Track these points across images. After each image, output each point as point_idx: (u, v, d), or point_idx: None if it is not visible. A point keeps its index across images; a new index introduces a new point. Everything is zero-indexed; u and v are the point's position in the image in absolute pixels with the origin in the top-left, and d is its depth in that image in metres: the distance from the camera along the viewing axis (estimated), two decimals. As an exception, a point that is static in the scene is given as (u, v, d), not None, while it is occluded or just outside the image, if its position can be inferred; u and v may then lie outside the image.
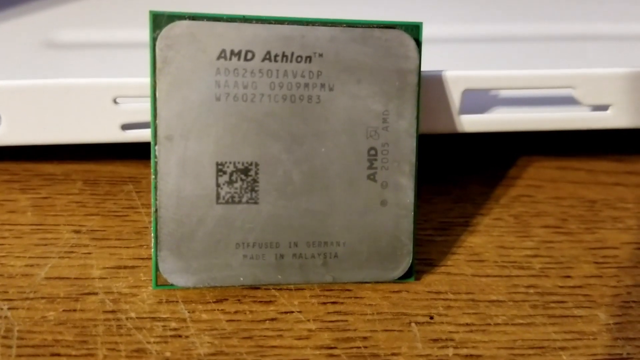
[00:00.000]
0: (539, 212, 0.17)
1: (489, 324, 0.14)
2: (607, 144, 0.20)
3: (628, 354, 0.14)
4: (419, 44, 0.14)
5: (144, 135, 0.15)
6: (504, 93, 0.16)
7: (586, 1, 0.22)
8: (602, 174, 0.19)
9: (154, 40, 0.13)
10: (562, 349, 0.14)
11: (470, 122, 0.15)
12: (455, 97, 0.15)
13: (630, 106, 0.16)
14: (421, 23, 0.14)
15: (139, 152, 0.16)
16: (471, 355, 0.13)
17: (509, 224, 0.17)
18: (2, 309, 0.13)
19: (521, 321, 0.14)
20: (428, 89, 0.15)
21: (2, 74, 0.17)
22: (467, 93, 0.15)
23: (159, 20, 0.13)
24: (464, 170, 0.18)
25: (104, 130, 0.15)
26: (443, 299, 0.14)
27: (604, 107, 0.16)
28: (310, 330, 0.13)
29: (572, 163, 0.19)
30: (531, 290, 0.15)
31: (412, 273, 0.14)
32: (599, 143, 0.20)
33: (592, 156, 0.19)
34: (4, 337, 0.13)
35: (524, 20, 0.21)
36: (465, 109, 0.15)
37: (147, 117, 0.14)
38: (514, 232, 0.16)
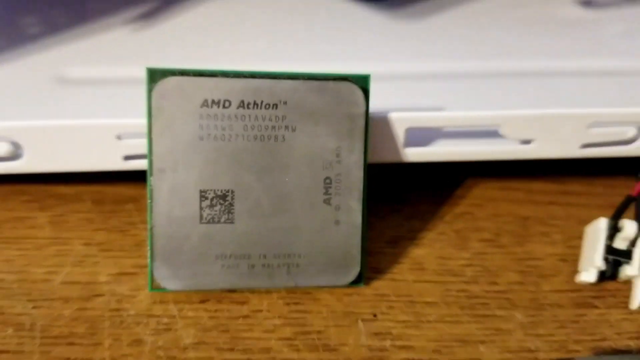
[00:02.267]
0: (478, 228, 0.20)
1: (422, 321, 0.17)
2: (545, 167, 0.23)
3: (536, 347, 0.17)
4: (366, 92, 0.17)
5: (142, 164, 0.18)
6: (450, 126, 0.19)
7: (524, 40, 0.25)
8: (538, 194, 0.22)
9: (149, 91, 0.16)
10: (481, 342, 0.17)
11: (413, 154, 0.18)
12: (400, 133, 0.18)
13: (550, 141, 0.19)
14: (369, 75, 0.17)
15: (139, 176, 0.19)
16: (405, 346, 0.16)
17: (450, 238, 0.20)
18: (27, 307, 0.16)
19: (449, 319, 0.17)
20: (377, 127, 0.18)
21: (19, 108, 0.20)
22: (410, 130, 0.18)
23: (154, 75, 0.16)
24: (414, 190, 0.21)
25: (109, 160, 0.18)
26: (386, 301, 0.17)
27: (527, 141, 0.19)
28: (275, 325, 0.16)
29: (512, 184, 0.22)
30: (461, 294, 0.18)
31: (362, 279, 0.17)
32: (537, 166, 0.22)
33: (531, 178, 0.22)
34: (29, 330, 0.16)
35: (469, 58, 0.24)
36: (409, 143, 0.18)
37: (144, 150, 0.17)
38: (454, 245, 0.19)
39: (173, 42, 0.25)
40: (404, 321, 0.17)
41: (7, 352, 0.15)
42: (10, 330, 0.16)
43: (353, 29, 0.26)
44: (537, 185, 0.22)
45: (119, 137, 0.17)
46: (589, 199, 0.22)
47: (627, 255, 0.18)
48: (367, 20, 0.27)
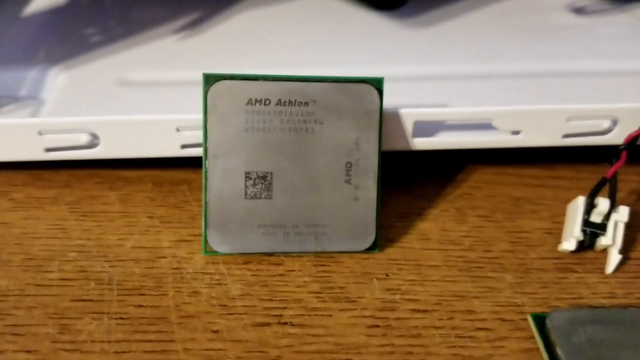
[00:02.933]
0: (475, 206, 0.24)
1: (426, 280, 0.20)
2: (537, 154, 0.26)
3: (522, 302, 0.20)
4: (381, 92, 0.20)
5: (196, 152, 0.22)
6: (451, 120, 0.22)
7: (519, 45, 0.29)
8: (530, 178, 0.25)
9: (205, 92, 0.20)
10: (475, 297, 0.20)
11: (420, 143, 0.22)
12: (409, 126, 0.22)
13: (536, 132, 0.22)
14: (383, 78, 0.20)
15: (191, 162, 0.23)
16: (411, 299, 0.20)
17: (451, 214, 0.23)
18: (105, 267, 0.20)
19: (449, 279, 0.21)
20: (390, 121, 0.21)
21: (90, 106, 0.24)
22: (418, 123, 0.22)
23: (209, 79, 0.20)
24: (422, 174, 0.25)
25: (169, 148, 0.22)
26: (396, 264, 0.21)
27: (516, 132, 0.22)
28: (305, 281, 0.20)
29: (507, 169, 0.26)
30: (459, 259, 0.21)
31: (376, 246, 0.21)
32: (530, 153, 0.26)
33: (524, 164, 0.26)
34: (108, 284, 0.20)
35: (470, 61, 0.27)
36: (417, 134, 0.22)
37: (198, 140, 0.21)
38: (454, 220, 0.23)
39: (215, 47, 0.28)
40: (411, 280, 0.20)
41: (91, 300, 0.19)
42: (92, 284, 0.20)
43: (369, 36, 0.30)
44: (529, 171, 0.26)
45: (178, 130, 0.21)
46: (575, 182, 0.25)
47: (602, 227, 0.21)
48: (382, 27, 0.30)
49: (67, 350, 0.18)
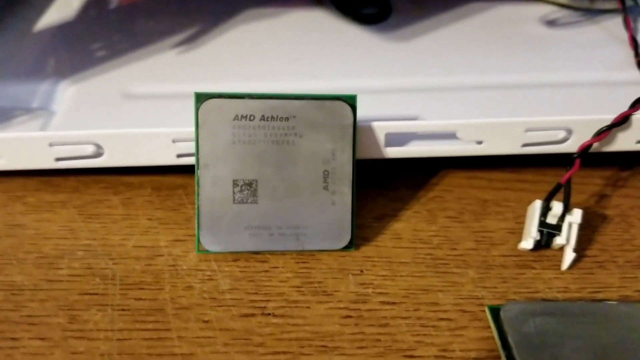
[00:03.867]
0: (445, 208, 0.26)
1: (396, 276, 0.23)
2: (506, 160, 0.28)
3: (483, 295, 0.22)
4: (354, 107, 0.22)
5: (190, 160, 0.24)
6: (418, 131, 0.25)
7: (490, 57, 0.31)
8: (497, 182, 0.28)
9: (197, 109, 0.22)
10: (440, 291, 0.22)
11: (392, 152, 0.24)
12: (381, 137, 0.24)
13: (497, 141, 0.24)
14: (356, 95, 0.23)
15: (186, 170, 0.25)
16: (382, 293, 0.22)
17: (423, 215, 0.26)
18: (108, 264, 0.23)
19: (417, 274, 0.23)
20: (364, 133, 0.24)
21: (95, 118, 0.27)
22: (389, 134, 0.24)
23: (200, 97, 0.22)
24: (398, 179, 0.27)
25: (166, 157, 0.24)
26: (370, 261, 0.23)
27: (480, 142, 0.24)
28: (287, 277, 0.23)
29: (477, 174, 0.28)
30: (427, 257, 0.24)
31: (352, 245, 0.23)
32: (499, 159, 0.28)
33: (493, 169, 0.28)
34: (111, 279, 0.22)
35: (440, 75, 0.29)
36: (389, 144, 0.24)
37: (192, 150, 0.23)
38: (425, 221, 0.25)
39: (209, 61, 0.31)
40: (382, 275, 0.23)
41: (97, 294, 0.22)
42: (97, 280, 0.22)
43: (353, 49, 0.32)
44: (497, 175, 0.28)
45: (173, 141, 0.24)
46: (539, 186, 0.27)
47: (557, 228, 0.24)
48: (364, 41, 0.33)
49: (75, 338, 0.20)
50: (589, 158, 0.25)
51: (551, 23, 0.34)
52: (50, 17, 0.35)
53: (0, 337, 0.20)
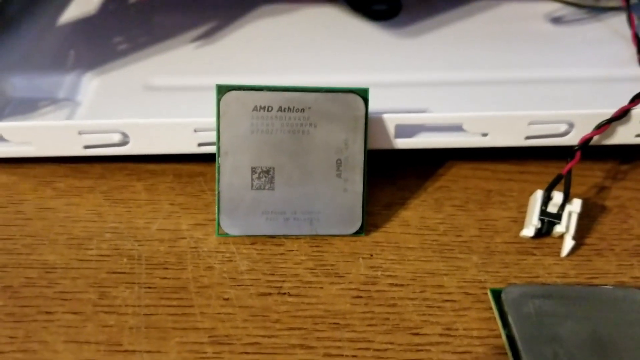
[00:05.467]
0: (451, 197, 0.27)
1: (404, 260, 0.24)
2: (510, 151, 0.29)
3: (485, 279, 0.24)
4: (366, 100, 0.24)
5: (210, 149, 0.25)
6: (426, 123, 0.26)
7: (497, 53, 0.32)
8: (501, 173, 0.29)
9: (218, 100, 0.23)
10: (445, 274, 0.24)
11: (401, 143, 0.26)
12: (391, 128, 0.25)
13: (501, 134, 0.26)
14: (368, 88, 0.24)
15: (206, 158, 0.27)
16: (390, 275, 0.24)
17: (430, 204, 0.27)
18: (134, 245, 0.24)
19: (424, 259, 0.24)
20: (375, 124, 0.25)
21: (119, 108, 0.28)
22: (399, 126, 0.25)
23: (221, 89, 0.23)
24: (407, 169, 0.28)
25: (188, 146, 0.26)
26: (380, 246, 0.25)
27: (485, 134, 0.26)
28: (302, 259, 0.24)
29: (482, 165, 0.29)
30: (434, 243, 0.25)
31: (363, 230, 0.25)
32: (503, 150, 0.29)
33: (497, 160, 0.29)
34: (137, 260, 0.24)
35: (449, 70, 0.31)
36: (398, 135, 0.26)
37: (212, 139, 0.25)
38: (432, 209, 0.27)
39: (227, 54, 0.32)
40: (391, 259, 0.24)
41: (124, 273, 0.23)
42: (125, 260, 0.24)
43: (364, 44, 0.33)
44: (501, 166, 0.29)
45: (195, 130, 0.25)
46: (541, 177, 0.28)
47: (557, 217, 0.25)
48: (375, 37, 0.34)
49: (105, 312, 0.22)
50: (590, 151, 0.26)
51: (557, 20, 0.35)
52: (72, 13, 0.37)
53: (36, 311, 0.22)
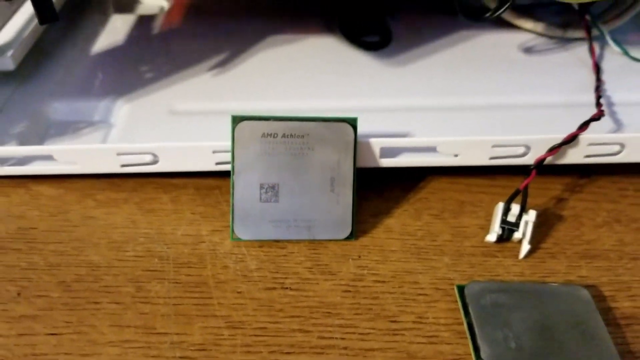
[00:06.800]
0: (429, 207, 0.32)
1: (387, 261, 0.29)
2: (483, 168, 0.34)
3: (454, 277, 0.28)
4: (355, 127, 0.29)
5: (226, 167, 0.30)
6: (406, 146, 0.31)
7: (472, 80, 0.37)
8: (474, 186, 0.34)
9: (233, 128, 0.28)
10: (420, 273, 0.29)
11: (385, 162, 0.31)
12: (377, 150, 0.30)
13: (469, 154, 0.30)
14: (357, 117, 0.29)
15: (222, 174, 0.32)
16: (375, 274, 0.28)
17: (410, 213, 0.32)
18: (163, 248, 0.29)
19: (403, 260, 0.29)
20: (363, 147, 0.30)
21: (148, 132, 0.33)
22: (383, 148, 0.30)
23: (235, 119, 0.28)
24: (393, 183, 0.33)
25: (207, 165, 0.31)
26: (367, 249, 0.30)
27: (456, 155, 0.31)
28: (301, 260, 0.29)
29: (457, 179, 0.34)
30: (412, 246, 0.30)
31: (353, 236, 0.30)
32: (475, 167, 0.34)
33: (470, 175, 0.34)
34: (166, 260, 0.29)
35: (429, 96, 0.35)
36: (383, 155, 0.30)
37: (227, 159, 0.30)
38: (412, 217, 0.31)
39: (237, 82, 0.37)
40: (376, 260, 0.29)
41: (156, 270, 0.28)
42: (156, 260, 0.29)
43: (358, 72, 0.38)
44: (474, 181, 0.34)
45: (213, 152, 0.30)
46: (508, 190, 0.33)
47: (516, 225, 0.30)
48: (367, 65, 0.39)
49: (142, 302, 0.27)
50: (552, 168, 0.31)
51: (528, 49, 0.40)
52: (102, 43, 0.42)
53: (85, 301, 0.27)
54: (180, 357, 0.25)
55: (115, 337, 0.25)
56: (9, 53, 0.35)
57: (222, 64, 0.39)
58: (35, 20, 0.38)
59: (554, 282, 0.28)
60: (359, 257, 0.29)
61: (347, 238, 0.30)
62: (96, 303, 0.27)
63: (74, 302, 0.27)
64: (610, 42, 0.39)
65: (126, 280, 0.28)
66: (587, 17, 0.39)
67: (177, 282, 0.28)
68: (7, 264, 0.28)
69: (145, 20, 0.45)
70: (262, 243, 0.30)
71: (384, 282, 0.28)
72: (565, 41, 0.41)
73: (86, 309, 0.26)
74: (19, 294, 0.27)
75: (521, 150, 0.30)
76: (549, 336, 0.25)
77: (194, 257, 0.29)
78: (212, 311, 0.26)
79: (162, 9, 0.47)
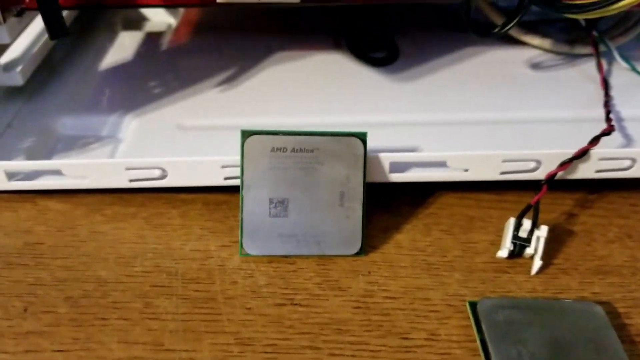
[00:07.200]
0: (439, 223, 0.32)
1: (397, 277, 0.29)
2: (492, 183, 0.34)
3: (465, 293, 0.28)
4: (364, 142, 0.28)
5: (234, 182, 0.30)
6: (416, 161, 0.31)
7: (480, 96, 0.37)
8: (483, 202, 0.33)
9: (242, 143, 0.28)
10: (431, 289, 0.28)
11: (395, 177, 0.30)
12: (386, 165, 0.30)
13: (480, 169, 0.30)
14: (366, 132, 0.29)
15: (231, 189, 0.32)
16: (385, 289, 0.28)
17: (420, 229, 0.31)
18: (172, 263, 0.29)
19: (414, 276, 0.29)
20: (373, 162, 0.30)
21: (157, 147, 0.33)
22: (393, 163, 0.30)
23: (245, 133, 0.28)
24: (401, 198, 0.33)
25: (215, 179, 0.30)
26: (377, 265, 0.29)
27: (466, 170, 0.30)
28: (310, 275, 0.29)
29: (466, 195, 0.34)
30: (422, 262, 0.30)
31: (362, 251, 0.29)
32: (485, 182, 0.34)
33: (480, 190, 0.34)
34: (174, 275, 0.28)
35: (436, 111, 0.35)
36: (393, 170, 0.30)
37: (236, 174, 0.30)
38: (422, 233, 0.31)
39: (245, 98, 0.37)
40: (386, 276, 0.29)
41: (164, 286, 0.28)
42: (164, 275, 0.28)
43: (366, 88, 0.38)
44: (484, 196, 0.34)
45: (222, 167, 0.30)
46: (518, 205, 0.33)
47: (527, 241, 0.29)
48: (375, 80, 0.39)
49: (150, 319, 0.26)
50: (562, 183, 0.30)
51: (536, 65, 0.40)
52: (110, 59, 0.42)
53: (93, 317, 0.26)
54: (189, 374, 0.24)
55: (124, 353, 0.25)
56: (18, 68, 0.35)
57: (230, 80, 0.39)
58: (45, 36, 0.39)
59: (567, 299, 0.28)
60: (369, 272, 0.29)
61: (357, 253, 0.29)
62: (104, 319, 0.26)
63: (82, 318, 0.26)
64: (618, 58, 0.39)
65: (134, 295, 0.27)
66: (594, 33, 0.40)
67: (185, 298, 0.27)
68: (14, 279, 0.28)
69: (153, 37, 0.45)
70: (271, 259, 0.29)
71: (394, 298, 0.28)
72: (573, 57, 0.41)
73: (94, 325, 0.26)
74: (25, 310, 0.27)
75: (532, 165, 0.30)
76: (563, 353, 0.25)
77: (203, 272, 0.29)
78: (221, 327, 0.26)
79: (169, 26, 0.47)
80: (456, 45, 0.42)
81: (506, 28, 0.35)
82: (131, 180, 0.31)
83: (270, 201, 0.28)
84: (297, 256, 0.29)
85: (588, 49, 0.40)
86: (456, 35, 0.43)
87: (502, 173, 0.30)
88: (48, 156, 0.33)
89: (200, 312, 0.27)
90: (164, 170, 0.30)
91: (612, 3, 0.33)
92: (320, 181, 0.28)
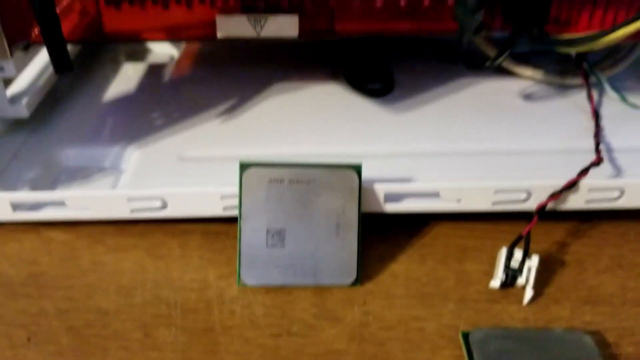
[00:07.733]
0: (433, 252, 0.32)
1: (392, 306, 0.29)
2: (485, 214, 0.34)
3: (458, 323, 0.29)
4: (359, 174, 0.29)
5: (233, 212, 0.31)
6: (410, 192, 0.31)
7: (473, 126, 0.38)
8: (477, 231, 0.34)
9: (241, 174, 0.29)
10: (426, 319, 0.29)
11: (390, 207, 0.31)
12: (381, 195, 0.31)
13: (472, 200, 0.31)
14: (361, 164, 0.29)
15: (228, 220, 0.32)
16: (380, 319, 0.29)
17: (415, 259, 0.32)
18: (171, 293, 0.30)
19: (408, 306, 0.29)
20: (368, 192, 0.31)
21: (158, 177, 0.34)
22: (387, 194, 0.31)
23: (243, 166, 0.29)
24: (396, 228, 0.34)
25: (214, 210, 0.31)
26: (372, 294, 0.30)
27: (459, 200, 0.31)
28: (307, 305, 0.29)
29: (461, 225, 0.34)
30: (417, 292, 0.30)
31: (358, 281, 0.30)
32: (479, 213, 0.34)
33: (474, 220, 0.34)
34: (173, 305, 0.29)
35: (433, 141, 0.36)
36: (387, 200, 0.31)
37: (235, 204, 0.30)
38: (417, 263, 0.32)
39: (245, 129, 0.38)
40: (381, 306, 0.29)
41: (164, 316, 0.29)
42: (163, 306, 0.29)
43: (362, 118, 0.39)
44: (478, 226, 0.34)
45: (221, 197, 0.31)
46: (512, 235, 0.33)
47: (519, 271, 0.30)
48: (371, 111, 0.40)
49: (150, 349, 0.27)
50: (554, 213, 0.31)
51: (528, 96, 0.41)
52: (113, 91, 0.43)
53: (94, 347, 0.27)
54: (187, 405, 0.25)
55: (123, 383, 0.26)
56: (24, 101, 0.36)
57: (230, 111, 0.40)
58: (49, 69, 0.40)
59: (558, 328, 0.28)
60: (364, 302, 0.30)
61: (353, 283, 0.30)
62: (105, 349, 0.27)
63: (83, 348, 0.27)
64: (608, 89, 0.40)
65: (135, 326, 0.28)
66: (585, 65, 0.41)
67: (184, 328, 0.28)
68: (17, 309, 0.29)
69: (155, 69, 0.46)
70: (268, 289, 0.30)
71: (389, 328, 0.28)
72: (564, 88, 0.42)
73: (95, 355, 0.27)
74: (29, 340, 0.27)
75: (523, 195, 0.31)
76: (554, 383, 0.25)
77: (201, 302, 0.29)
78: (219, 357, 0.27)
79: (172, 57, 0.48)
80: (451, 76, 0.44)
81: (498, 60, 0.36)
82: (133, 211, 0.31)
83: (268, 232, 0.29)
84: (293, 286, 0.30)
85: (579, 80, 0.41)
86: (450, 66, 0.45)
87: (495, 204, 0.31)
88: (52, 187, 0.34)
89: (199, 342, 0.27)
90: (164, 201, 0.31)
91: (600, 38, 0.34)
92: (316, 212, 0.29)
